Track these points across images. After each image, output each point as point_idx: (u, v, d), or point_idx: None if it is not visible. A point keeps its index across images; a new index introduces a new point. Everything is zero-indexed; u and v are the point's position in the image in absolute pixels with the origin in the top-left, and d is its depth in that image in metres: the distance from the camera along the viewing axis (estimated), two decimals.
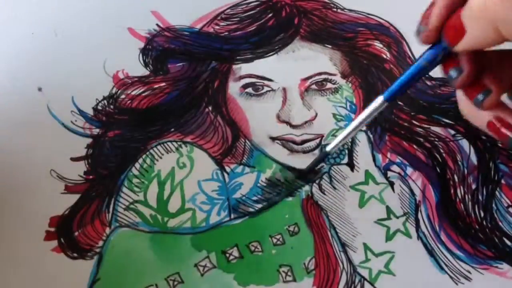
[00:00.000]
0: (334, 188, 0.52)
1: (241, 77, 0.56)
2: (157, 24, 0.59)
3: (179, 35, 0.59)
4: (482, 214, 0.52)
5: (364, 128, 0.54)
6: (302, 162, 0.53)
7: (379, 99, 0.39)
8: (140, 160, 0.52)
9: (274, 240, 0.49)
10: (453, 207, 0.52)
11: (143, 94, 0.56)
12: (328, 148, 0.45)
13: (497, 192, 0.53)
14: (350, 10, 0.60)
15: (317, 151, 0.53)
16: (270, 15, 0.59)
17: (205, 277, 0.48)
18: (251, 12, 0.59)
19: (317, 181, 0.52)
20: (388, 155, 0.54)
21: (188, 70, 0.57)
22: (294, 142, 0.53)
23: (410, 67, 0.36)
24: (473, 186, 0.53)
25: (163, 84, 0.56)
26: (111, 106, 0.55)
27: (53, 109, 0.54)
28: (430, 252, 0.50)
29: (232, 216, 0.50)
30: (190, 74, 0.57)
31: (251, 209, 0.51)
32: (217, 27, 0.59)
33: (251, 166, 0.53)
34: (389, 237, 0.50)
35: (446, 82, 0.57)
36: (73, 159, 0.52)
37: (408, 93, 0.56)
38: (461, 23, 0.29)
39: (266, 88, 0.55)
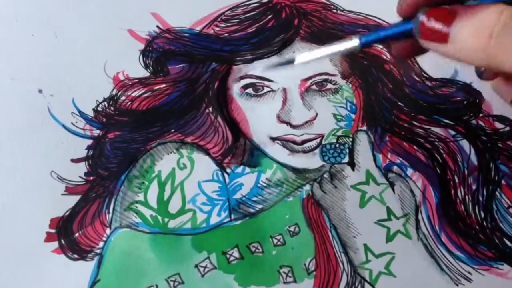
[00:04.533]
0: (335, 187, 0.52)
1: (241, 78, 0.56)
2: (157, 26, 0.59)
3: (179, 37, 0.59)
4: (483, 215, 0.52)
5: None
6: (302, 162, 0.53)
7: (355, 41, 0.38)
8: (141, 161, 0.52)
9: (275, 241, 0.49)
10: (453, 208, 0.52)
11: (144, 96, 0.56)
12: (296, 61, 0.42)
13: (497, 193, 0.53)
14: (350, 11, 0.60)
15: (317, 151, 0.54)
16: (270, 16, 0.59)
17: (205, 277, 0.48)
18: (251, 14, 0.59)
19: (318, 180, 0.52)
20: (389, 155, 0.54)
21: (188, 71, 0.57)
22: (295, 142, 0.53)
23: (392, 26, 0.36)
24: (474, 187, 0.53)
25: (164, 85, 0.56)
26: (112, 108, 0.55)
27: (54, 111, 0.54)
28: (431, 253, 0.50)
29: (233, 216, 0.50)
30: (191, 76, 0.57)
31: (251, 210, 0.51)
32: (217, 28, 0.59)
33: (252, 166, 0.53)
34: (389, 238, 0.50)
35: (446, 83, 0.57)
36: (73, 161, 0.52)
37: (408, 93, 0.57)
38: (446, 33, 0.30)
39: (266, 89, 0.55)
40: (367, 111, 0.56)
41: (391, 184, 0.52)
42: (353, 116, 0.55)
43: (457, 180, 0.53)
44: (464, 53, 0.29)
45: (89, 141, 0.53)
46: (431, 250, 0.50)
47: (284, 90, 0.55)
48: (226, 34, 0.59)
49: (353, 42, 0.37)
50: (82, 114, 0.54)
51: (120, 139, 0.53)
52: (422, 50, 0.35)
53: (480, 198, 0.52)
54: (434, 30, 0.31)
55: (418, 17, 0.32)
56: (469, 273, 0.49)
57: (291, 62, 0.42)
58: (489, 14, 0.28)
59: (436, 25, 0.31)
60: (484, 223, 0.51)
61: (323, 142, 0.54)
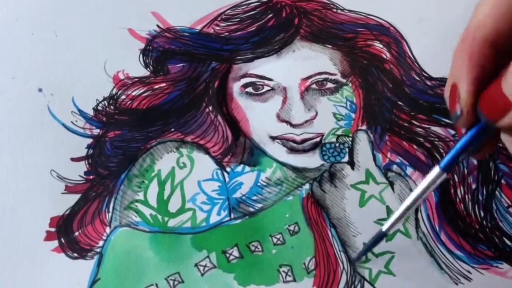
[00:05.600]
0: (335, 186, 0.52)
1: (242, 77, 0.56)
2: (157, 25, 0.60)
3: (179, 36, 0.59)
4: (482, 214, 0.52)
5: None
6: (302, 161, 0.53)
7: (436, 169, 0.37)
8: (140, 160, 0.52)
9: (275, 240, 0.49)
10: (453, 207, 0.52)
11: (144, 95, 0.56)
12: (384, 228, 0.43)
13: (497, 192, 0.53)
14: (350, 11, 0.60)
15: (317, 150, 0.54)
16: (270, 15, 0.59)
17: (205, 277, 0.48)
18: (251, 13, 0.59)
19: (317, 179, 0.52)
20: (388, 155, 0.54)
21: (189, 70, 0.57)
22: (295, 141, 0.53)
23: (461, 139, 0.35)
24: (473, 186, 0.53)
25: (164, 84, 0.56)
26: (112, 107, 0.55)
27: (54, 110, 0.54)
28: (430, 252, 0.50)
29: (232, 215, 0.50)
30: (191, 75, 0.57)
31: (251, 209, 0.51)
32: (217, 27, 0.59)
33: (251, 165, 0.53)
34: (389, 237, 0.50)
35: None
36: (73, 159, 0.52)
37: (408, 93, 0.57)
38: (504, 98, 0.27)
39: (266, 88, 0.55)
40: (367, 110, 0.56)
41: (391, 184, 0.52)
42: (353, 115, 0.55)
43: (456, 180, 0.53)
44: None
45: (89, 140, 0.53)
46: (430, 249, 0.50)
47: (284, 89, 0.55)
48: (226, 33, 0.59)
49: (434, 172, 0.37)
50: (82, 113, 0.54)
51: (120, 138, 0.53)
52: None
53: (480, 198, 0.52)
54: (491, 103, 0.29)
55: (479, 110, 0.30)
56: (469, 272, 0.49)
57: (382, 236, 0.44)
58: None
59: (493, 104, 0.29)
60: (484, 222, 0.51)
61: (323, 141, 0.54)
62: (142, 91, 0.56)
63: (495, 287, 0.49)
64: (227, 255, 0.48)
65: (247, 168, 0.53)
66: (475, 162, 0.54)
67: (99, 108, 0.55)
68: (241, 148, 0.54)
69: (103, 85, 0.56)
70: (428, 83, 0.57)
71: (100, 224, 0.50)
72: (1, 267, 0.47)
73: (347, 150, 0.54)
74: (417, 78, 0.57)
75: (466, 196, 0.52)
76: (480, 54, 0.29)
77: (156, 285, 0.47)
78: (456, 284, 0.48)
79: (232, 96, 0.56)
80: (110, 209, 0.50)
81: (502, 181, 0.53)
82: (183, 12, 0.60)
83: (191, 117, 0.55)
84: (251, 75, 0.56)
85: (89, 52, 0.58)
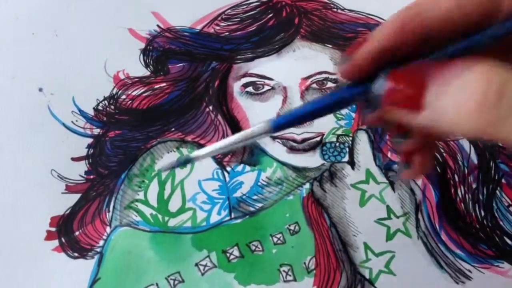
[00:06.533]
0: (335, 186, 0.52)
1: (242, 76, 0.56)
2: (157, 25, 0.60)
3: (180, 36, 0.59)
4: (483, 214, 0.52)
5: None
6: (302, 160, 0.53)
7: (265, 126, 0.30)
8: (141, 160, 0.52)
9: (275, 239, 0.49)
10: (453, 206, 0.52)
11: (144, 95, 0.56)
12: (193, 155, 0.32)
13: (497, 192, 0.53)
14: (350, 10, 0.60)
15: (318, 149, 0.54)
16: (271, 15, 0.59)
17: (205, 276, 0.48)
18: (251, 13, 0.59)
19: (318, 178, 0.52)
20: (389, 154, 0.54)
21: (189, 70, 0.57)
22: (295, 141, 0.53)
23: (320, 100, 0.29)
24: (474, 186, 0.53)
25: (164, 84, 0.56)
26: (112, 106, 0.55)
27: (54, 109, 0.54)
28: (431, 252, 0.50)
29: (233, 215, 0.50)
30: (191, 74, 0.57)
31: (251, 208, 0.51)
32: (217, 27, 0.59)
33: (252, 165, 0.53)
34: (389, 237, 0.50)
35: None
36: (73, 159, 0.52)
37: None
38: (421, 101, 0.24)
39: (266, 87, 0.55)
40: None
41: (391, 183, 0.52)
42: (353, 114, 0.55)
43: (457, 179, 0.53)
44: (447, 122, 0.23)
45: (90, 140, 0.53)
46: (431, 249, 0.50)
47: (285, 88, 0.55)
48: (227, 33, 0.59)
49: (261, 127, 0.29)
50: (82, 113, 0.54)
51: (121, 138, 0.53)
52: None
53: (480, 197, 0.52)
54: (405, 96, 0.24)
55: (381, 80, 0.26)
56: (469, 271, 0.49)
57: (187, 161, 0.33)
58: (472, 82, 0.22)
59: (407, 90, 0.24)
60: (484, 222, 0.51)
61: (323, 141, 0.54)
62: (142, 91, 0.56)
63: (495, 286, 0.49)
64: (228, 254, 0.48)
65: (248, 168, 0.53)
66: (475, 161, 0.54)
67: (100, 107, 0.55)
68: (241, 148, 0.54)
69: (103, 85, 0.56)
70: None
71: (101, 223, 0.50)
72: (1, 267, 0.47)
73: (347, 149, 0.54)
74: None
75: (467, 195, 0.52)
76: (415, 27, 0.25)
77: (157, 284, 0.47)
78: (457, 283, 0.48)
79: (233, 95, 0.56)
80: (111, 209, 0.50)
81: (503, 181, 0.53)
82: (183, 12, 0.60)
83: (191, 117, 0.55)
84: (251, 75, 0.56)
85: (89, 52, 0.58)
